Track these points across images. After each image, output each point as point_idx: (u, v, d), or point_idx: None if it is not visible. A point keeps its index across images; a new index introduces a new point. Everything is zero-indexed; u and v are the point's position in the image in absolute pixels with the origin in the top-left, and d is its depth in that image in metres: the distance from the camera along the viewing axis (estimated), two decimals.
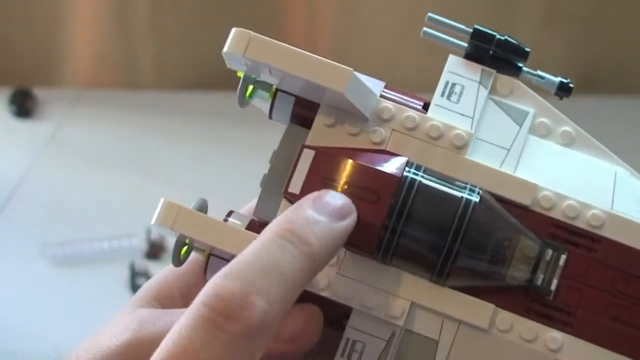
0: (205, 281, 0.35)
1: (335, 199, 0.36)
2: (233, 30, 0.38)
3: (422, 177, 0.37)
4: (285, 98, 0.40)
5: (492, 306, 0.37)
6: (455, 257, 0.37)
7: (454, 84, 0.40)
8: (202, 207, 0.39)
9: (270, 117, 0.40)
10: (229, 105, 0.42)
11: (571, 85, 0.40)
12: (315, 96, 0.39)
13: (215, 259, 0.38)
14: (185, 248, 0.38)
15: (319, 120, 0.39)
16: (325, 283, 0.37)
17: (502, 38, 0.40)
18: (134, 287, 1.11)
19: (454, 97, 0.40)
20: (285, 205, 0.38)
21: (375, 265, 0.38)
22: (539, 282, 0.37)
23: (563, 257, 0.37)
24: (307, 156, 0.38)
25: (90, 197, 1.28)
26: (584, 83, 1.44)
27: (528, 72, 0.40)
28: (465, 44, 0.40)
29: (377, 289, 0.37)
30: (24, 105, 1.44)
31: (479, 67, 0.40)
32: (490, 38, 0.40)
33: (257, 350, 0.32)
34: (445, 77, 0.40)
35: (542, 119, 0.40)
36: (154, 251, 1.17)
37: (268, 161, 0.40)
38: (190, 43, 1.49)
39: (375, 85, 0.40)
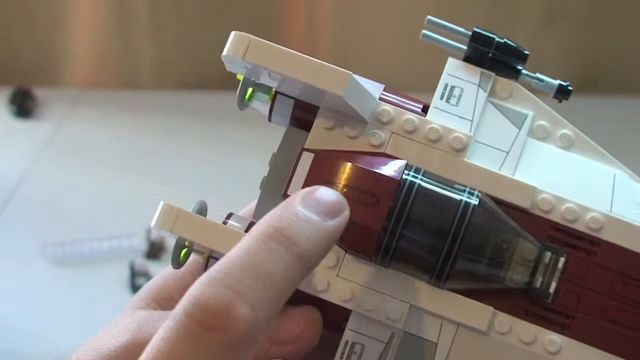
0: None
1: (327, 194, 0.34)
2: (232, 33, 0.38)
3: (421, 180, 0.37)
4: (284, 101, 0.40)
5: (490, 309, 0.37)
6: (454, 260, 0.37)
7: (453, 87, 0.40)
8: (202, 210, 0.39)
9: (269, 119, 0.40)
10: (229, 105, 0.42)
11: (570, 88, 0.40)
12: (314, 99, 0.39)
13: (214, 261, 0.38)
14: (184, 250, 0.38)
15: (318, 123, 0.39)
16: (325, 285, 0.37)
17: (502, 41, 0.40)
18: (134, 287, 1.11)
19: (453, 100, 0.40)
20: None
21: (375, 268, 0.38)
22: (537, 285, 0.37)
23: (562, 259, 0.37)
24: (306, 159, 0.38)
25: (90, 197, 1.28)
26: (584, 83, 1.44)
27: (527, 75, 0.41)
28: (465, 47, 0.40)
29: (376, 292, 0.37)
30: (24, 105, 1.44)
31: (478, 69, 0.40)
32: (489, 41, 0.40)
33: (246, 358, 0.31)
34: (444, 79, 0.40)
35: (541, 122, 0.40)
36: (154, 251, 1.17)
37: (267, 164, 0.40)
38: (190, 43, 1.49)
39: (375, 88, 0.40)
